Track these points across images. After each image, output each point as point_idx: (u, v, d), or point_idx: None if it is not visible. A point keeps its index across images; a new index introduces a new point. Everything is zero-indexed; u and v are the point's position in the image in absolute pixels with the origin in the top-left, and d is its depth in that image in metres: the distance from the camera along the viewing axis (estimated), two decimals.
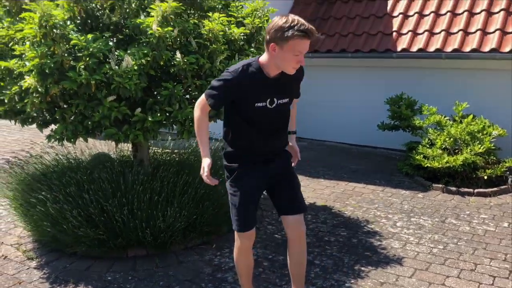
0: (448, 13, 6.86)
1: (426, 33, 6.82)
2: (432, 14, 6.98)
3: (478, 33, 6.42)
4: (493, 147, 5.67)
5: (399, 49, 6.86)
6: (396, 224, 4.55)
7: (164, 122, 3.78)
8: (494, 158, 5.74)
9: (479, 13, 6.66)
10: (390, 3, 7.51)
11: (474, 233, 4.33)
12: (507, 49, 6.10)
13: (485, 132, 5.73)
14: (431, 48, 6.61)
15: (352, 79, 7.62)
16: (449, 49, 6.47)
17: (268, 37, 2.53)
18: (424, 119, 6.10)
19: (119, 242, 3.86)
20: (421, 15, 7.11)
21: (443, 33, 6.67)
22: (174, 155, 4.97)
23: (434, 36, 6.76)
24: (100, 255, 3.91)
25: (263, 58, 2.66)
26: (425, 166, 5.59)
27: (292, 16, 2.50)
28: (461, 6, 6.89)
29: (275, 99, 2.71)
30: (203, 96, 2.73)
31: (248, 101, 2.67)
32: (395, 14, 7.35)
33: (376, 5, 7.62)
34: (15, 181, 4.48)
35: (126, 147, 5.12)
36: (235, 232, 2.88)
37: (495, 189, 5.31)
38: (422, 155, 5.66)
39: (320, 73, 7.76)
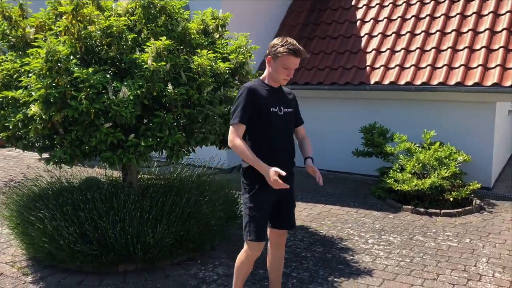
0: (418, 50, 7.51)
1: (397, 67, 7.44)
2: (402, 51, 7.63)
3: (445, 68, 7.05)
4: (459, 172, 6.21)
5: (372, 82, 7.45)
6: (367, 241, 4.99)
7: (155, 147, 4.21)
8: (460, 182, 6.26)
9: (445, 50, 7.32)
10: (364, 40, 8.16)
11: (438, 248, 4.79)
12: (470, 83, 6.73)
13: (451, 158, 6.27)
14: (402, 81, 7.22)
15: (329, 109, 8.17)
16: (418, 82, 7.08)
17: (267, 51, 3.16)
18: (395, 146, 6.64)
19: (111, 257, 4.21)
20: (392, 51, 7.76)
21: (412, 67, 7.30)
22: (160, 179, 5.37)
23: (405, 70, 7.38)
24: (92, 270, 4.25)
25: (264, 74, 3.27)
26: (396, 189, 6.09)
27: (288, 38, 3.12)
28: (429, 43, 7.55)
29: (282, 107, 3.23)
30: (231, 128, 3.11)
31: (265, 106, 3.14)
32: (368, 50, 7.99)
33: (351, 42, 8.26)
34: (13, 202, 4.82)
35: (115, 173, 5.51)
36: (247, 243, 3.24)
37: (460, 209, 5.81)
38: (393, 179, 6.16)
39: (299, 104, 8.31)
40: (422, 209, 5.86)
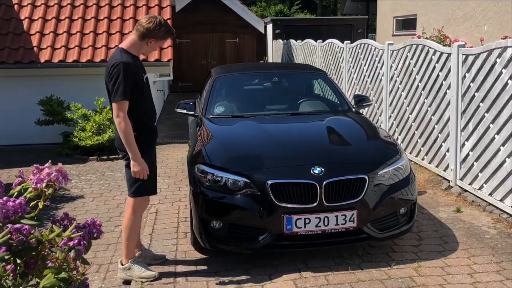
0: (78, 33, 9.31)
1: (63, 48, 9.05)
2: (65, 34, 9.28)
3: (103, 48, 9.12)
4: None
5: (42, 60, 8.82)
6: (71, 181, 6.65)
7: None
8: None
9: (101, 33, 9.39)
10: (25, 23, 9.36)
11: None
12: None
13: None
14: (70, 59, 8.90)
15: (2, 87, 9.08)
16: (84, 60, 8.92)
17: (146, 32, 3.40)
18: (74, 113, 8.35)
19: None
20: (55, 34, 9.30)
21: (77, 48, 9.06)
22: None
23: (70, 50, 9.07)
24: None
25: (127, 44, 3.50)
26: (82, 145, 7.86)
27: (163, 18, 3.50)
28: (87, 28, 9.46)
29: (144, 74, 3.60)
30: (116, 105, 3.34)
31: (138, 77, 3.47)
32: (32, 32, 9.27)
33: (12, 24, 9.32)
34: None
35: None
36: (134, 200, 3.63)
37: None
38: (78, 138, 7.90)
39: None
40: (105, 157, 7.86)
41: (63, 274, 1.35)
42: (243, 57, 17.57)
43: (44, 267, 1.60)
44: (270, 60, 16.81)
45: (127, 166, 3.56)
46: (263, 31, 17.31)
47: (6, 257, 1.34)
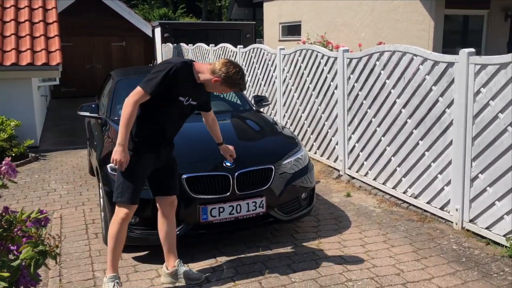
0: None
1: None
2: None
3: None
4: (15, 134, 8.14)
5: None
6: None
7: None
8: (16, 142, 8.20)
9: None
10: None
11: (19, 184, 6.70)
12: (8, 63, 8.64)
13: (5, 125, 8.09)
14: None
15: None
16: None
17: (219, 72, 3.32)
18: None
19: None
20: None
21: None
22: None
23: None
24: None
25: (201, 68, 3.42)
26: None
27: (242, 71, 3.38)
28: None
29: (190, 99, 3.46)
30: (139, 90, 3.24)
31: (175, 92, 3.35)
32: None
33: None
34: None
35: None
36: (118, 206, 3.44)
37: (22, 161, 7.81)
38: None
39: None
40: None
41: (40, 247, 1.54)
42: (131, 60, 17.42)
43: (7, 249, 1.76)
44: None
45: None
46: (151, 35, 17.33)
47: None
